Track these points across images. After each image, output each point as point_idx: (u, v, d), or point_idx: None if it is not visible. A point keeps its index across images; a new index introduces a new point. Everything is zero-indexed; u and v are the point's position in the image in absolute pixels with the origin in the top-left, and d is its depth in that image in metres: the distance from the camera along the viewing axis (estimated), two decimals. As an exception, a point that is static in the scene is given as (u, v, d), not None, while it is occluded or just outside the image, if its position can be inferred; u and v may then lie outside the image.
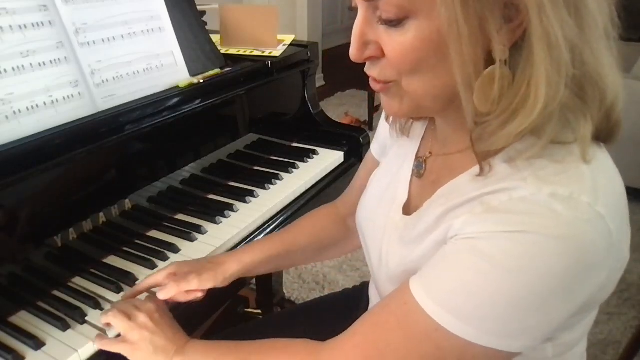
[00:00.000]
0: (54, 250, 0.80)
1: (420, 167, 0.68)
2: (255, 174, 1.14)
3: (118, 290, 0.78)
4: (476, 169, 0.55)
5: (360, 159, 1.26)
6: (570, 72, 0.47)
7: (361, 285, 1.00)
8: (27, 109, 0.78)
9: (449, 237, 0.54)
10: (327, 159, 1.20)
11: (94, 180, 0.86)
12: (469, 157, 0.56)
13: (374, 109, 3.40)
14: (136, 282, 0.79)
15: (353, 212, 0.80)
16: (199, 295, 0.76)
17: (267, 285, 1.57)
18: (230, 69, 1.09)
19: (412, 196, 0.68)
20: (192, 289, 0.75)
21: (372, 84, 0.57)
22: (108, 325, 0.71)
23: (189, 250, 0.87)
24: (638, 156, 2.12)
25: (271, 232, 0.98)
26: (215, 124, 1.08)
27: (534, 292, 0.48)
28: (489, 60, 0.48)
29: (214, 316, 1.37)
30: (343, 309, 0.94)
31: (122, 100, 0.90)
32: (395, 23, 0.49)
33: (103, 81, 0.89)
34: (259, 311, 1.60)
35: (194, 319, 0.87)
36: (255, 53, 1.20)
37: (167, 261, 0.84)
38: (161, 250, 0.86)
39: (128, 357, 0.67)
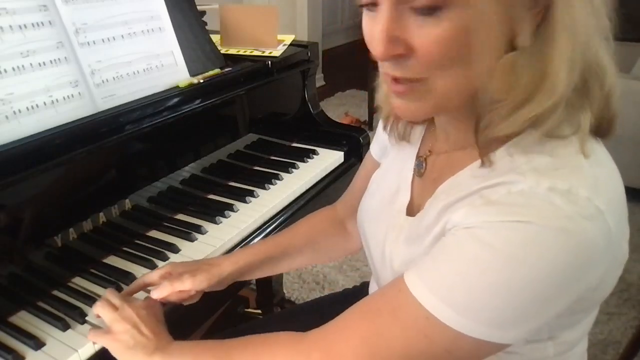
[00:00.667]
0: (54, 250, 0.80)
1: (420, 166, 0.68)
2: (255, 174, 1.14)
3: (118, 290, 0.78)
4: (475, 165, 0.56)
5: (360, 159, 1.26)
6: (586, 58, 0.49)
7: (361, 285, 1.00)
8: (27, 109, 0.78)
9: (447, 230, 0.54)
10: (327, 159, 1.20)
11: (94, 180, 0.86)
12: (469, 153, 0.56)
13: (374, 109, 3.39)
14: (136, 282, 0.80)
15: (352, 214, 0.80)
16: (194, 295, 0.76)
17: (267, 285, 1.57)
18: (230, 69, 1.09)
19: (414, 196, 0.68)
20: (185, 289, 0.74)
21: (395, 87, 0.54)
22: (99, 316, 0.71)
23: (189, 250, 0.87)
24: (638, 156, 2.12)
25: (271, 232, 0.98)
26: (215, 124, 1.08)
27: (531, 281, 0.48)
28: (509, 47, 0.49)
29: (214, 316, 1.37)
30: (343, 309, 0.94)
31: (122, 100, 0.90)
32: (430, 11, 0.47)
33: (103, 81, 0.89)
34: (259, 311, 1.61)
35: (194, 319, 0.87)
36: (255, 53, 1.20)
37: (167, 261, 0.84)
38: (161, 250, 0.86)
39: (108, 348, 0.67)
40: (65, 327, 0.71)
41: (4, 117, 0.75)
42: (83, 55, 0.87)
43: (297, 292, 1.94)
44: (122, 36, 0.93)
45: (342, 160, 1.23)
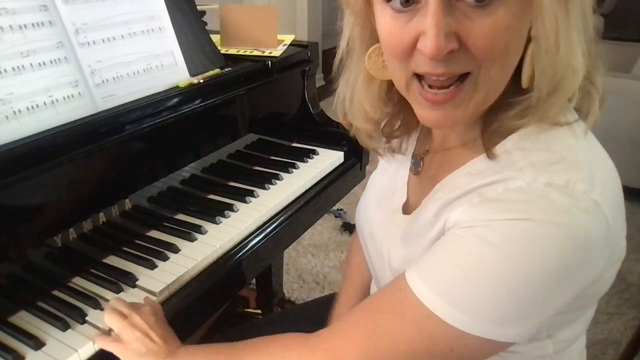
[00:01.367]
0: (54, 250, 0.80)
1: (417, 165, 0.68)
2: (255, 174, 1.14)
3: (118, 290, 0.78)
4: (472, 162, 0.56)
5: (360, 159, 1.26)
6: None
7: (361, 286, 1.00)
8: (27, 109, 0.78)
9: (447, 229, 0.54)
10: (327, 159, 1.20)
11: (94, 180, 0.86)
12: (467, 151, 0.56)
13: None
14: (136, 282, 0.79)
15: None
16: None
17: (267, 285, 1.57)
18: (230, 69, 1.09)
19: (410, 195, 0.68)
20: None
21: (434, 97, 0.51)
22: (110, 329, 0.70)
23: (189, 250, 0.87)
24: (638, 156, 2.12)
25: (271, 232, 0.98)
26: (215, 124, 1.08)
27: (533, 278, 0.48)
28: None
29: (214, 316, 1.37)
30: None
31: (122, 100, 0.90)
32: (483, 1, 0.46)
33: (103, 81, 0.89)
34: (259, 311, 1.60)
35: (194, 319, 0.87)
36: (255, 53, 1.20)
37: (167, 261, 0.84)
38: (161, 250, 0.86)
39: (119, 356, 0.67)
40: (65, 327, 0.71)
41: (4, 117, 0.75)
42: (83, 55, 0.87)
43: (297, 292, 1.94)
44: (122, 36, 0.93)
45: (342, 160, 1.23)
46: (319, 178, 1.15)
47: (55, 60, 0.83)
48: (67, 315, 0.73)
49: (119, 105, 0.89)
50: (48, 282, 0.79)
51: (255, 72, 1.13)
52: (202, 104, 1.00)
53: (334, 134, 1.27)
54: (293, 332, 0.63)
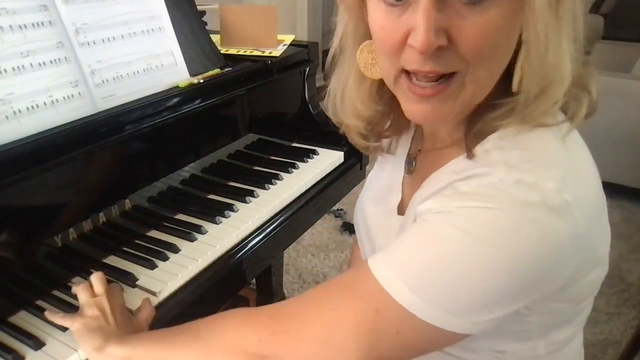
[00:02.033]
0: (54, 250, 0.80)
1: (410, 164, 0.69)
2: (255, 174, 1.14)
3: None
4: (456, 160, 0.56)
5: (360, 159, 1.26)
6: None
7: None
8: (27, 109, 0.78)
9: (417, 216, 0.55)
10: (327, 159, 1.20)
11: (93, 180, 0.86)
12: (455, 149, 0.57)
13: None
14: (136, 282, 0.79)
15: None
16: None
17: (267, 285, 1.57)
18: (230, 69, 1.09)
19: (404, 195, 0.69)
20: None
21: (421, 91, 0.52)
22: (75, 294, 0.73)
23: (189, 250, 0.87)
24: (638, 156, 2.13)
25: (271, 232, 0.98)
26: (215, 124, 1.08)
27: (492, 264, 0.48)
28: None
29: (214, 316, 1.37)
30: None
31: (122, 100, 0.90)
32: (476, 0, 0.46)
33: (103, 81, 0.89)
34: (259, 311, 1.60)
35: (194, 319, 0.87)
36: (255, 53, 1.20)
37: (167, 261, 0.84)
38: (161, 250, 0.86)
39: (70, 328, 0.68)
40: (64, 327, 0.71)
41: (4, 117, 0.75)
42: (83, 55, 0.87)
43: (297, 292, 1.95)
44: (122, 36, 0.93)
45: (342, 160, 1.23)
46: (319, 178, 1.15)
47: (55, 60, 0.83)
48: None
49: (119, 105, 0.89)
50: (48, 282, 0.79)
51: (255, 72, 1.13)
52: (202, 104, 1.00)
53: (334, 134, 1.27)
54: (241, 308, 0.63)
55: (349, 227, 2.30)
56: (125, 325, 0.69)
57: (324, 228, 2.32)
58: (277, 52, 1.20)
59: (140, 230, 0.92)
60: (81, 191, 0.84)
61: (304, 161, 1.18)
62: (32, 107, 0.79)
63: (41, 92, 0.80)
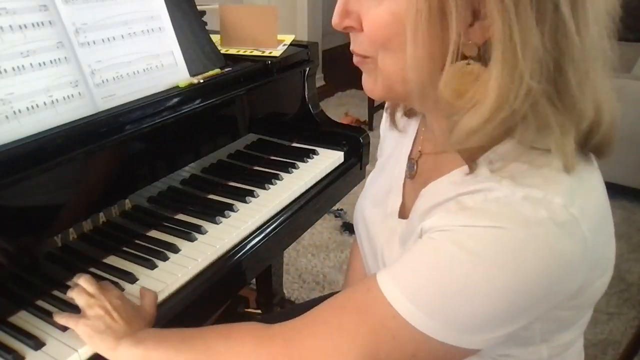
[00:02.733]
0: (54, 250, 0.80)
1: (412, 168, 0.69)
2: (255, 174, 1.14)
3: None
4: (458, 170, 0.56)
5: (360, 159, 1.26)
6: (534, 84, 0.46)
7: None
8: (27, 109, 0.78)
9: (423, 232, 0.54)
10: (327, 159, 1.20)
11: (93, 180, 0.86)
12: (455, 156, 0.56)
13: (374, 109, 3.40)
14: (136, 282, 0.80)
15: None
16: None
17: (267, 285, 1.57)
18: (230, 69, 1.09)
19: (406, 198, 0.68)
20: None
21: (354, 59, 0.58)
22: (72, 299, 0.72)
23: (189, 250, 0.87)
24: (638, 156, 2.13)
25: (271, 232, 0.98)
26: (215, 124, 1.08)
27: (502, 286, 0.48)
28: (457, 55, 0.49)
29: (214, 316, 1.37)
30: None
31: (122, 100, 0.90)
32: None
33: (103, 81, 0.89)
34: (259, 311, 1.61)
35: (194, 319, 0.87)
36: (255, 53, 1.20)
37: (167, 261, 0.84)
38: (161, 250, 0.86)
39: (77, 332, 0.68)
40: (64, 327, 0.71)
41: (4, 117, 0.75)
42: (83, 55, 0.87)
43: (297, 292, 1.94)
44: (122, 36, 0.93)
45: (342, 160, 1.23)
46: (319, 178, 1.15)
47: (55, 60, 0.83)
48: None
49: (119, 105, 0.89)
50: (48, 282, 0.79)
51: (255, 72, 1.13)
52: (202, 104, 1.00)
53: (334, 134, 1.28)
54: (256, 322, 0.62)
55: (349, 227, 2.30)
56: (133, 317, 0.69)
57: (324, 228, 2.32)
58: (277, 52, 1.20)
59: (140, 230, 0.92)
60: (81, 191, 0.84)
61: (304, 161, 1.18)
62: (32, 107, 0.79)
63: (41, 92, 0.80)
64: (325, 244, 2.22)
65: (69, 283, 0.80)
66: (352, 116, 3.51)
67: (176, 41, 1.02)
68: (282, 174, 1.12)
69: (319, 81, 4.08)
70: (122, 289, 0.78)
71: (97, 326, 0.67)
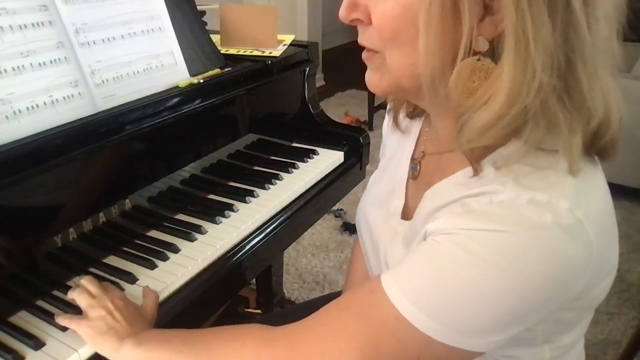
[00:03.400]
0: (54, 250, 0.80)
1: (415, 168, 0.68)
2: (255, 174, 1.14)
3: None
4: (462, 172, 0.55)
5: (360, 159, 1.26)
6: (545, 78, 0.46)
7: (361, 286, 1.00)
8: (27, 109, 0.78)
9: (427, 235, 0.54)
10: (327, 159, 1.20)
11: (93, 180, 0.86)
12: (459, 156, 0.55)
13: (374, 109, 3.40)
14: (136, 282, 0.80)
15: None
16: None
17: (267, 285, 1.57)
18: (230, 69, 1.09)
19: (409, 199, 0.68)
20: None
21: (363, 54, 0.58)
22: (73, 300, 0.72)
23: (189, 250, 0.87)
24: (638, 156, 2.13)
25: (271, 232, 0.98)
26: (215, 124, 1.08)
27: (505, 290, 0.47)
28: (468, 52, 0.49)
29: (214, 316, 1.37)
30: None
31: (122, 100, 0.90)
32: None
33: (103, 81, 0.89)
34: (259, 311, 1.60)
35: (194, 319, 0.87)
36: (255, 53, 1.20)
37: (167, 261, 0.84)
38: (161, 250, 0.86)
39: (80, 333, 0.67)
40: (64, 327, 0.71)
41: (4, 117, 0.75)
42: (83, 55, 0.87)
43: (297, 292, 1.94)
44: (122, 36, 0.93)
45: (342, 160, 1.23)
46: (319, 178, 1.15)
47: (55, 60, 0.83)
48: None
49: (119, 105, 0.89)
50: (48, 282, 0.79)
51: (255, 72, 1.13)
52: (202, 104, 1.00)
53: (334, 134, 1.28)
54: (260, 324, 0.62)
55: (349, 227, 2.30)
56: (135, 318, 0.69)
57: (324, 228, 2.32)
58: (277, 52, 1.20)
59: (140, 230, 0.92)
60: (81, 191, 0.84)
61: (304, 161, 1.18)
62: (32, 107, 0.79)
63: (41, 92, 0.80)
64: (325, 244, 2.22)
65: (69, 283, 0.80)
66: (352, 116, 3.51)
67: (176, 41, 1.02)
68: (282, 174, 1.11)
69: (319, 81, 4.08)
70: (122, 289, 0.78)
71: (99, 327, 0.66)
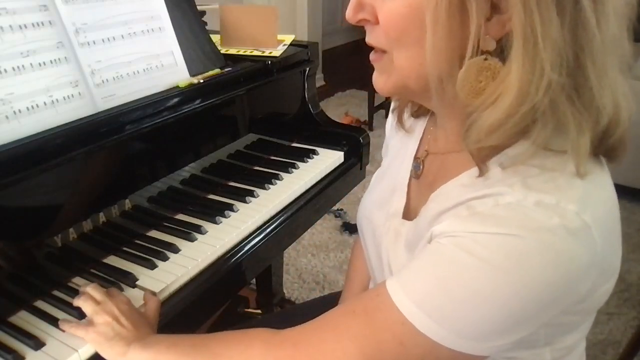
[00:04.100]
0: (54, 250, 0.80)
1: (418, 167, 0.68)
2: (255, 174, 1.14)
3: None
4: (467, 173, 0.55)
5: (360, 159, 1.26)
6: (554, 76, 0.46)
7: (361, 286, 1.00)
8: (27, 109, 0.78)
9: (433, 237, 0.54)
10: (327, 159, 1.20)
11: (93, 180, 0.86)
12: (464, 157, 0.55)
13: (374, 109, 3.40)
14: (136, 282, 0.79)
15: None
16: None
17: (267, 285, 1.57)
18: (230, 69, 1.09)
19: (411, 199, 0.68)
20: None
21: (370, 55, 0.58)
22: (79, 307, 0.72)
23: (189, 250, 0.87)
24: (638, 156, 2.13)
25: (271, 232, 0.98)
26: (215, 124, 1.08)
27: (511, 294, 0.47)
28: (475, 52, 0.48)
29: (214, 316, 1.37)
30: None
31: (122, 100, 0.90)
32: None
33: (103, 81, 0.89)
34: (259, 311, 1.60)
35: (194, 319, 0.87)
36: (255, 53, 1.20)
37: (167, 261, 0.84)
38: (161, 250, 0.86)
39: (86, 340, 0.68)
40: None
41: (4, 117, 0.75)
42: (83, 55, 0.87)
43: (297, 292, 1.94)
44: (122, 36, 0.93)
45: (342, 160, 1.23)
46: (319, 178, 1.15)
47: (55, 60, 0.83)
48: (67, 315, 0.73)
49: (119, 105, 0.89)
50: (48, 282, 0.79)
51: (255, 72, 1.13)
52: (202, 104, 1.00)
53: (334, 134, 1.28)
54: (266, 327, 0.62)
55: (349, 227, 2.30)
56: (141, 322, 0.69)
57: (324, 228, 2.32)
58: (277, 52, 1.20)
59: (140, 230, 0.92)
60: (81, 191, 0.84)
61: (304, 161, 1.18)
62: (32, 107, 0.79)
63: (41, 92, 0.80)
64: (325, 244, 2.22)
65: (69, 284, 0.80)
66: (352, 116, 3.51)
67: (176, 41, 1.02)
68: (282, 174, 1.11)
69: (319, 81, 4.08)
70: (122, 289, 0.78)
71: (106, 333, 0.66)
